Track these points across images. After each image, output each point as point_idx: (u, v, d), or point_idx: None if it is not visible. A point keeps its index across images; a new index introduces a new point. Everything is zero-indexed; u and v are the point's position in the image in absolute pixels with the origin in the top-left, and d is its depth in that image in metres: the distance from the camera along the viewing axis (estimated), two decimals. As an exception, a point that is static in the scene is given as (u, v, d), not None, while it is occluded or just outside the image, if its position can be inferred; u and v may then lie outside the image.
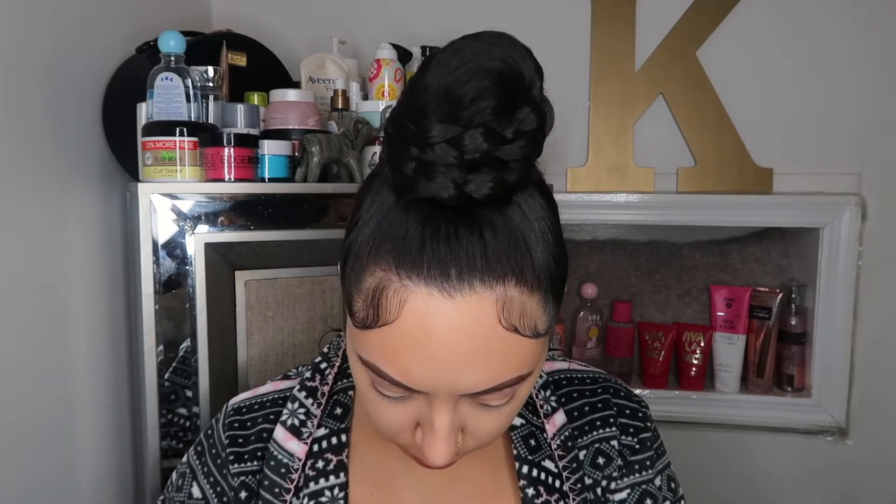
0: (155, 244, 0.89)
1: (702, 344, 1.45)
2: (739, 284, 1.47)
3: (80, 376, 1.00)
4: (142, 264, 0.89)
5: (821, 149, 1.37)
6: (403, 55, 1.24)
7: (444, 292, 0.44)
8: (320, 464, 0.60)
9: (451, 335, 0.44)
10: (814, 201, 1.35)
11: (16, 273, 0.87)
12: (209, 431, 0.65)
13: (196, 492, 0.63)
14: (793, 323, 1.41)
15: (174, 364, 0.92)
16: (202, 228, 0.91)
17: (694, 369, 1.45)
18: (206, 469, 0.63)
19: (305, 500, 0.58)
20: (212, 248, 0.92)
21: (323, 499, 0.58)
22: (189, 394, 0.93)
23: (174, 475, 0.66)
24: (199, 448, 0.65)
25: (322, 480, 0.59)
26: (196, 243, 0.90)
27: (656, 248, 1.52)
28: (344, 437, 0.61)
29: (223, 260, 0.93)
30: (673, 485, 0.64)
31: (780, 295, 1.42)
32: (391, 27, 1.39)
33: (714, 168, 1.39)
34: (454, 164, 0.43)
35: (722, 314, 1.45)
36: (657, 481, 0.63)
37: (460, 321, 0.44)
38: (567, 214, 1.39)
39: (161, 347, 0.91)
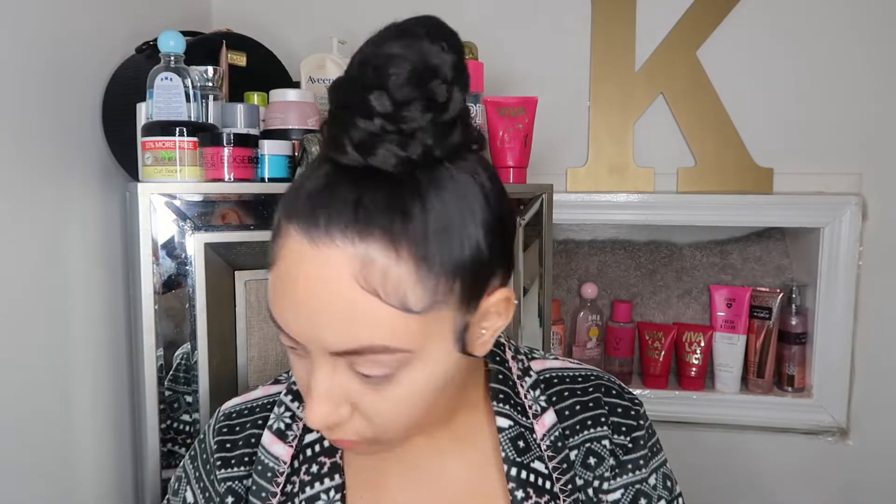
0: (155, 244, 0.89)
1: (702, 344, 1.45)
2: (739, 284, 1.47)
3: (80, 376, 1.00)
4: (142, 264, 0.89)
5: (821, 149, 1.37)
6: (403, 55, 1.24)
7: (311, 241, 0.46)
8: (314, 468, 0.59)
9: (312, 284, 0.46)
10: (814, 201, 1.35)
11: (15, 273, 0.87)
12: (201, 437, 0.65)
13: (189, 497, 0.63)
14: (793, 323, 1.41)
15: (174, 364, 0.92)
16: (202, 228, 0.91)
17: (694, 369, 1.45)
18: (197, 474, 0.63)
19: None
20: (212, 248, 0.92)
21: (320, 502, 0.58)
22: (189, 399, 0.93)
23: (172, 479, 0.67)
24: (192, 453, 0.65)
25: (317, 484, 0.59)
26: (196, 243, 0.90)
27: (656, 248, 1.52)
28: None
29: (223, 260, 0.93)
30: (669, 483, 0.64)
31: (781, 295, 1.42)
32: (391, 27, 1.39)
33: (714, 168, 1.39)
34: (356, 128, 0.45)
35: (722, 314, 1.45)
36: (651, 480, 0.62)
37: (320, 271, 0.45)
38: (567, 214, 1.40)
39: (161, 348, 0.91)
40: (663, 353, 1.46)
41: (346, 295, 0.45)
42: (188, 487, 0.64)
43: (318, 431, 0.61)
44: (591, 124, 1.41)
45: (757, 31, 1.36)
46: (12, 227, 0.87)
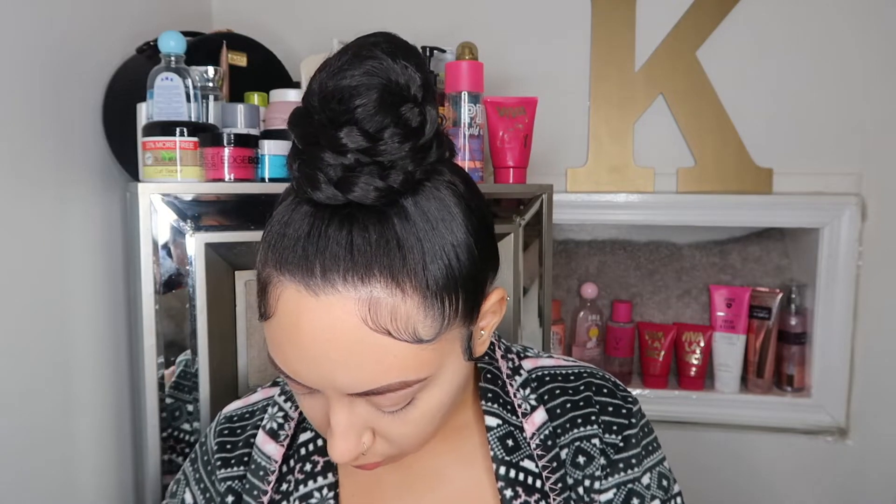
0: (155, 244, 0.89)
1: (702, 344, 1.45)
2: (739, 284, 1.47)
3: (80, 376, 1.00)
4: (142, 264, 0.89)
5: (820, 149, 1.37)
6: (403, 55, 1.24)
7: (310, 290, 0.44)
8: (308, 466, 0.60)
9: (318, 333, 0.44)
10: (814, 201, 1.35)
11: (16, 273, 0.87)
12: (202, 440, 0.66)
13: (188, 498, 0.64)
14: (793, 323, 1.41)
15: (175, 368, 0.92)
16: (202, 228, 0.91)
17: (694, 369, 1.46)
18: (197, 476, 0.64)
19: (296, 503, 0.59)
20: (212, 248, 0.92)
21: (312, 500, 0.58)
22: (188, 399, 0.93)
23: (171, 483, 0.67)
24: (192, 456, 0.66)
25: (311, 482, 0.59)
26: (196, 243, 0.90)
27: (656, 248, 1.52)
28: None
29: (223, 260, 0.93)
30: (665, 482, 0.62)
31: (780, 295, 1.42)
32: (391, 27, 1.39)
33: (714, 168, 1.39)
34: (330, 165, 0.44)
35: (722, 314, 1.46)
36: (645, 479, 0.61)
37: (324, 320, 0.44)
38: (567, 214, 1.40)
39: (161, 349, 0.91)
40: (663, 353, 1.46)
41: (357, 339, 0.44)
42: (187, 489, 0.64)
43: (312, 431, 0.62)
44: (591, 124, 1.42)
45: (756, 31, 1.36)
46: (12, 227, 0.87)
